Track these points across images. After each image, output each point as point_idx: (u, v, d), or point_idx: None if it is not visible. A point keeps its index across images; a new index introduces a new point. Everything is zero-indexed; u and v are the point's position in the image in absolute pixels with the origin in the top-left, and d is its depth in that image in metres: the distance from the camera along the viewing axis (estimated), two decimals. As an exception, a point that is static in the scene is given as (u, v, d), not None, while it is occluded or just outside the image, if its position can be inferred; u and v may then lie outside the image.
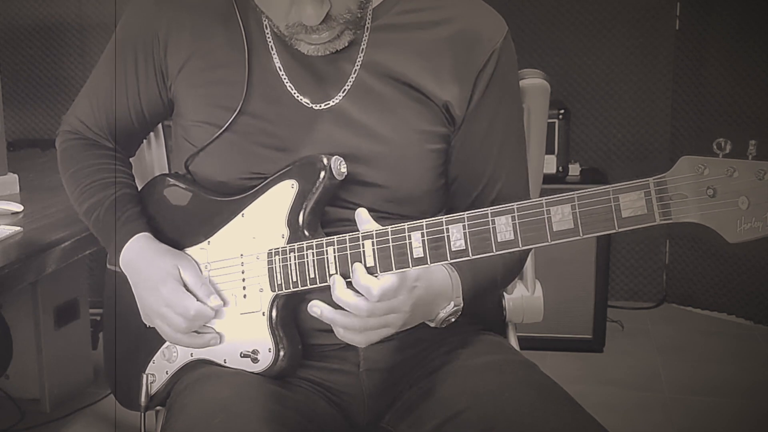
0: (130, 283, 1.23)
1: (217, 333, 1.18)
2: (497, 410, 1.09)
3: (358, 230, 1.07)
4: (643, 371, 2.82)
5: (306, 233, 1.12)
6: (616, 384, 2.71)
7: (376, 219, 1.16)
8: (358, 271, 1.04)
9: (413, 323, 1.10)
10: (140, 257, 1.21)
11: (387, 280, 1.02)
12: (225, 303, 1.18)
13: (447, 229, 0.99)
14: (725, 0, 3.06)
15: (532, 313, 1.46)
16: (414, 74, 1.16)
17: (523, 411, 1.08)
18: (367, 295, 1.02)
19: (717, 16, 3.09)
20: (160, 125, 1.43)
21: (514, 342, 1.43)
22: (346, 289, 1.04)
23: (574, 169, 2.97)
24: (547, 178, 2.71)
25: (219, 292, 1.18)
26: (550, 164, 2.84)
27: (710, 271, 3.25)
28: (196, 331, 1.18)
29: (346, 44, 1.14)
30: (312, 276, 1.10)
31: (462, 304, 1.14)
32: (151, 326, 1.24)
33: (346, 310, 1.05)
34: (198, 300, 1.16)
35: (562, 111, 2.85)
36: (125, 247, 1.22)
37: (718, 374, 2.77)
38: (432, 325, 1.14)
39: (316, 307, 1.06)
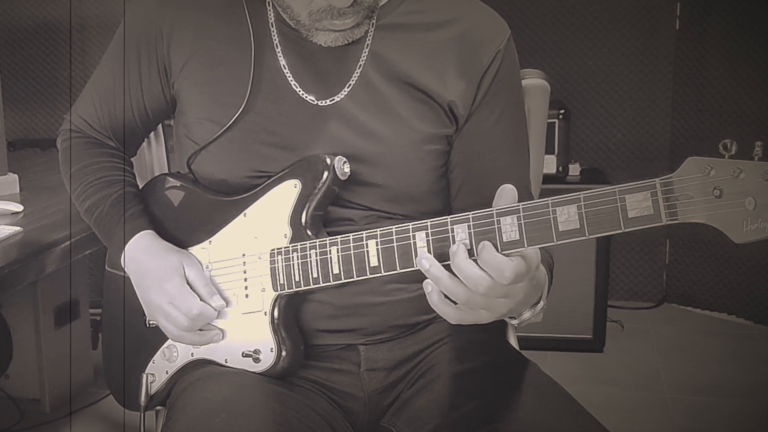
0: (132, 280, 1.23)
1: (220, 329, 1.18)
2: (497, 410, 1.09)
3: (357, 229, 1.07)
4: (643, 371, 2.82)
5: (309, 233, 1.12)
6: (616, 384, 2.71)
7: (377, 218, 1.17)
8: (488, 249, 0.94)
9: (509, 315, 1.02)
10: (144, 254, 1.21)
11: (520, 263, 0.94)
12: (228, 303, 1.18)
13: (452, 229, 0.99)
14: (725, 0, 3.06)
15: (532, 314, 1.46)
16: (417, 74, 1.17)
17: (523, 411, 1.08)
18: (498, 276, 0.93)
19: (717, 16, 3.09)
20: (160, 125, 1.43)
21: (514, 342, 1.43)
22: (469, 259, 0.95)
23: (574, 169, 2.97)
24: (547, 178, 2.72)
25: (221, 292, 1.18)
26: (550, 164, 2.84)
27: (710, 271, 3.25)
28: (200, 329, 1.18)
29: (363, 34, 1.15)
30: (315, 276, 1.10)
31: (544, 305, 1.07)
32: (152, 326, 1.24)
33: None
34: (201, 299, 1.16)
35: (562, 111, 2.86)
36: (128, 244, 1.22)
37: (718, 374, 2.77)
38: (514, 323, 1.07)
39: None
